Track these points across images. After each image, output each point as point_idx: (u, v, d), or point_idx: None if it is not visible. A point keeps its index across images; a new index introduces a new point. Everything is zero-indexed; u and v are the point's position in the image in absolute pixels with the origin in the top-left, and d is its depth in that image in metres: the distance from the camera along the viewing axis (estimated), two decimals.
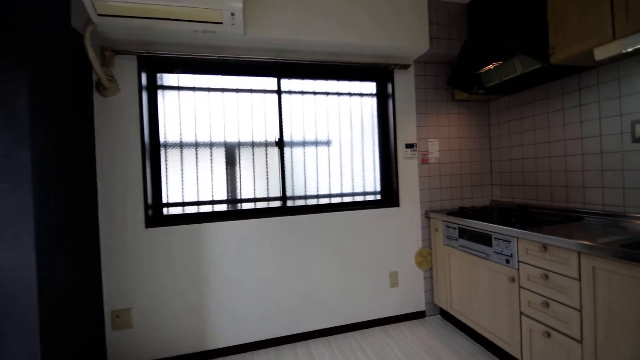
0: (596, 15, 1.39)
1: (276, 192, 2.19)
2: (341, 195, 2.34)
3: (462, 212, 2.09)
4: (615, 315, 1.17)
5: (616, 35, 1.32)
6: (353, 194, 2.36)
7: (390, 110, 2.30)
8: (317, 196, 2.29)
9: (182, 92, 2.04)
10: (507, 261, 1.66)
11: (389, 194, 2.38)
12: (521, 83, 2.01)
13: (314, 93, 2.27)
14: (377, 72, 2.33)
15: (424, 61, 2.32)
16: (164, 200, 2.00)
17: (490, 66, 1.89)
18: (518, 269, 1.59)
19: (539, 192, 2.09)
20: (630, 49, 1.30)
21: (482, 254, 1.82)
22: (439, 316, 2.36)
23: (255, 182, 2.16)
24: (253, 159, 2.16)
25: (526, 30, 1.61)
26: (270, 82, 2.19)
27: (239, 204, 2.13)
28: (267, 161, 2.18)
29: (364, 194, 2.39)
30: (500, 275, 1.70)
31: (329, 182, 2.30)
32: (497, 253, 1.72)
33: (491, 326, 1.79)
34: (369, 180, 2.39)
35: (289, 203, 2.21)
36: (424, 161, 2.35)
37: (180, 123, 2.04)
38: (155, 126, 1.96)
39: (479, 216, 1.95)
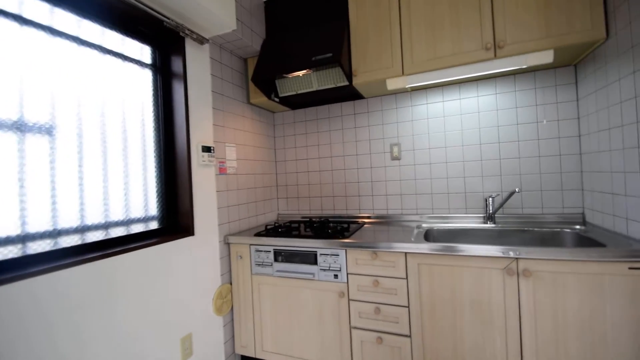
0: (390, 52, 1.68)
1: None
2: (82, 230, 1.25)
3: (273, 231, 1.80)
4: (436, 304, 1.38)
5: (404, 72, 1.65)
6: (107, 226, 1.34)
7: (181, 95, 1.57)
8: (24, 238, 1.07)
9: None
10: (336, 276, 1.57)
11: (176, 219, 1.60)
12: (310, 100, 2.10)
13: (21, 20, 1.07)
14: (159, 33, 1.52)
15: (221, 44, 1.83)
16: None
17: (299, 73, 1.80)
18: (347, 282, 1.55)
19: (322, 202, 2.26)
20: (411, 85, 1.67)
21: (307, 274, 1.63)
22: None
23: None
24: None
25: (340, 48, 1.65)
26: None
27: None
28: None
29: (128, 222, 1.43)
30: (329, 293, 1.59)
31: (53, 207, 1.15)
32: (325, 270, 1.59)
33: (318, 353, 1.62)
34: (136, 200, 1.46)
35: None
36: (221, 171, 1.81)
37: None
38: None
39: (291, 233, 1.76)
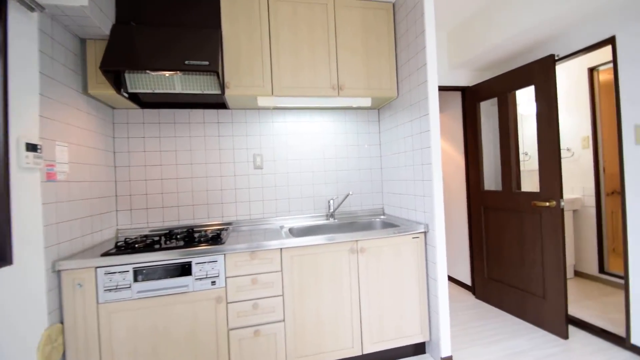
0: (261, 73, 1.88)
1: None
2: None
3: (128, 248, 1.56)
4: (304, 286, 1.69)
5: (273, 93, 1.90)
6: None
7: None
8: None
9: None
10: (214, 282, 1.58)
11: None
12: (164, 101, 2.00)
13: None
14: None
15: (53, 15, 1.41)
16: None
17: (166, 72, 1.69)
18: (226, 286, 1.59)
19: (180, 212, 2.11)
20: (278, 105, 1.94)
21: (180, 287, 1.53)
22: None
23: None
24: None
25: (217, 58, 1.69)
26: None
27: None
28: None
29: None
30: (205, 302, 1.57)
31: None
32: (201, 279, 1.56)
33: None
34: None
35: None
36: (50, 177, 1.38)
37: None
38: None
39: (153, 247, 1.59)
